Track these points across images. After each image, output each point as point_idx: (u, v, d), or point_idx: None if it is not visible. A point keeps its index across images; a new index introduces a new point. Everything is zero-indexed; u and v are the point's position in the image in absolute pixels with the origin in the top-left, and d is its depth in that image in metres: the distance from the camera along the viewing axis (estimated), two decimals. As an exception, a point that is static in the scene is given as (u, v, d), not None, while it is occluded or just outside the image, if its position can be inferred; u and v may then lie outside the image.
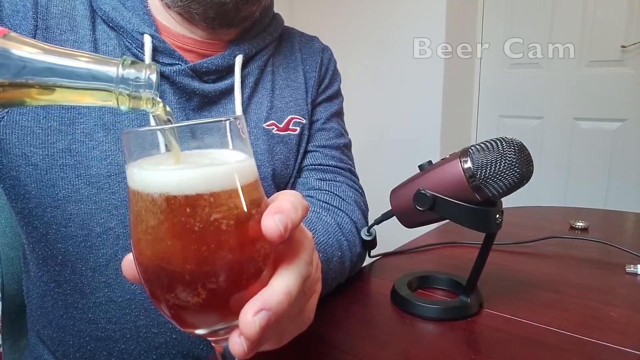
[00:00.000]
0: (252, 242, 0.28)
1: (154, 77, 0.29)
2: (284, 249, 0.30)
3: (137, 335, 0.54)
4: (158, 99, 0.30)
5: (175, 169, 0.27)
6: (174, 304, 0.28)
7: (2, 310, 0.70)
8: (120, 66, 0.28)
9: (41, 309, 0.58)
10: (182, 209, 0.26)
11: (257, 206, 0.28)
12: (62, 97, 0.28)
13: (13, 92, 0.27)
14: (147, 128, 0.28)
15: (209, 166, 0.27)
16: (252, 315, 0.26)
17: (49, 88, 0.27)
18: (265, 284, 0.28)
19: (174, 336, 0.54)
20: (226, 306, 0.28)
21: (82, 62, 0.28)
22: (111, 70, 0.28)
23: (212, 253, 0.26)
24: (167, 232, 0.26)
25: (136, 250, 0.28)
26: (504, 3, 2.05)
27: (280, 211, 0.27)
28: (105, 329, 0.54)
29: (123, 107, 0.29)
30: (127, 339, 0.54)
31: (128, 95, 0.28)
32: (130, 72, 0.28)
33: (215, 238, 0.26)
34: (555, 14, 1.94)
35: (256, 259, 0.28)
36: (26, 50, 0.27)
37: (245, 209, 0.27)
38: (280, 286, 0.28)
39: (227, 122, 0.27)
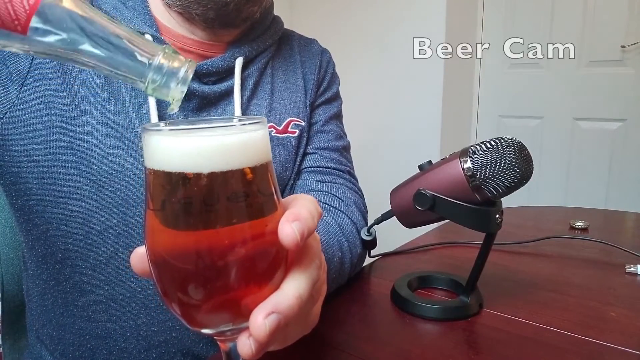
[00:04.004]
0: (268, 242, 0.28)
1: (190, 75, 0.28)
2: (295, 252, 0.30)
3: (137, 334, 0.54)
4: (182, 97, 0.29)
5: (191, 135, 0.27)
6: (185, 302, 0.28)
7: (2, 310, 0.70)
8: (162, 55, 0.28)
9: (41, 307, 0.58)
10: (199, 186, 0.26)
11: (272, 199, 0.29)
12: (96, 61, 0.28)
13: (50, 44, 0.26)
14: (179, 127, 0.28)
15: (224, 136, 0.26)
16: (262, 318, 0.26)
17: (85, 51, 0.27)
18: (276, 287, 0.28)
19: (173, 334, 0.54)
20: (238, 307, 0.28)
21: (125, 37, 0.27)
22: (151, 57, 0.28)
23: (228, 245, 0.26)
24: (184, 210, 0.26)
25: (149, 240, 0.28)
26: (504, 3, 2.05)
27: (298, 218, 0.27)
28: (105, 327, 0.54)
29: (148, 92, 0.29)
30: (127, 337, 0.54)
31: (157, 86, 0.28)
32: (168, 64, 0.28)
33: (232, 226, 0.26)
34: (555, 14, 1.94)
35: (270, 261, 0.28)
36: (75, 8, 0.26)
37: (260, 196, 0.28)
38: (292, 290, 0.28)
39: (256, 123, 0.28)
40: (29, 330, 0.62)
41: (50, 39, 0.25)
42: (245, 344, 0.27)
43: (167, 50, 0.28)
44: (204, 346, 0.56)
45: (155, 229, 0.27)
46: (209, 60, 0.57)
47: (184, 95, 0.29)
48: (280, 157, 0.63)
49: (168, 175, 0.26)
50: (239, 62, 0.59)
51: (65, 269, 0.54)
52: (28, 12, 0.24)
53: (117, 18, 0.53)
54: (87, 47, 0.26)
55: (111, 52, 0.27)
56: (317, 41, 0.74)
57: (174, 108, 0.30)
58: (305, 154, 0.67)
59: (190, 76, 0.29)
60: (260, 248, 0.27)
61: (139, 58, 0.28)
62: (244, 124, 0.27)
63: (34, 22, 0.24)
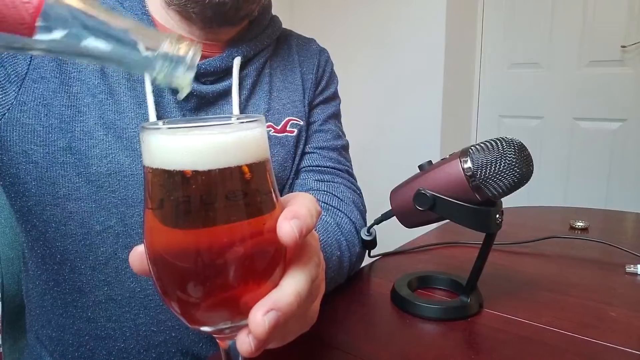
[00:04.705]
0: (267, 240, 0.28)
1: (196, 60, 0.29)
2: (293, 250, 0.31)
3: (137, 334, 0.54)
4: (191, 82, 0.29)
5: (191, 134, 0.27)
6: (184, 300, 0.28)
7: (2, 311, 0.70)
8: (167, 43, 0.28)
9: (40, 308, 0.58)
10: (199, 184, 0.26)
11: (271, 196, 0.29)
12: (102, 56, 0.28)
13: (55, 42, 0.26)
14: (177, 125, 0.28)
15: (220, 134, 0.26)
16: (262, 315, 0.26)
17: (90, 47, 0.27)
18: (275, 284, 0.29)
19: (173, 334, 0.54)
20: (237, 305, 0.28)
21: (129, 28, 0.27)
22: (157, 47, 0.28)
23: (229, 242, 0.26)
24: (184, 208, 0.26)
25: (147, 239, 0.28)
26: (504, 3, 2.05)
27: (297, 216, 0.27)
28: (104, 327, 0.54)
29: (158, 82, 0.29)
30: (126, 337, 0.54)
31: (165, 75, 0.28)
32: (174, 52, 0.28)
33: (231, 223, 0.26)
34: (555, 14, 1.94)
35: (268, 259, 0.28)
36: (78, 5, 0.26)
37: (259, 195, 0.28)
38: (290, 287, 0.28)
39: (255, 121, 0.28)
40: (28, 331, 0.62)
41: (56, 36, 0.26)
42: (244, 342, 0.27)
43: (171, 38, 0.28)
44: (204, 346, 0.56)
45: (154, 227, 0.27)
46: (207, 60, 0.57)
47: (192, 80, 0.30)
48: (279, 156, 0.63)
49: (166, 173, 0.26)
50: (237, 62, 0.59)
51: (64, 269, 0.54)
52: (33, 13, 0.24)
53: None
54: (92, 42, 0.27)
55: (116, 45, 0.27)
56: (315, 40, 0.74)
57: (183, 94, 0.30)
58: (303, 153, 0.67)
59: (197, 61, 0.29)
60: (258, 246, 0.28)
61: (145, 49, 0.28)
62: (241, 122, 0.27)
63: (39, 22, 0.25)
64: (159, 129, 0.27)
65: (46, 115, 0.50)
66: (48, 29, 0.25)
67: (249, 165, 0.27)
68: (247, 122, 0.27)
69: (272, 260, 0.28)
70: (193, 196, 0.26)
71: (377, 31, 2.09)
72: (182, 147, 0.26)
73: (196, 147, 0.26)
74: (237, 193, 0.26)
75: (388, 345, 0.49)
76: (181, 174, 0.26)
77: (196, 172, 0.25)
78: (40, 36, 0.25)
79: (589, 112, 1.94)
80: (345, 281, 0.63)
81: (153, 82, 0.53)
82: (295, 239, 0.27)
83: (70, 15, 0.26)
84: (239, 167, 0.26)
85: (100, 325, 0.54)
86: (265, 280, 0.28)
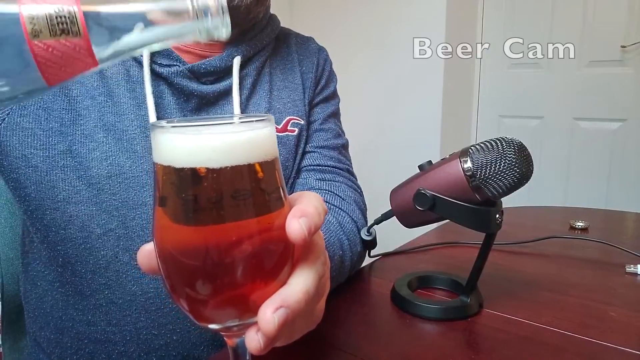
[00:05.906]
0: (276, 238, 0.28)
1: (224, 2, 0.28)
2: (301, 248, 0.31)
3: (137, 337, 0.54)
4: (229, 23, 0.29)
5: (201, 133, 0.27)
6: (193, 297, 0.28)
7: (2, 311, 0.70)
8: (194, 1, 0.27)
9: (39, 309, 0.58)
10: (209, 183, 0.26)
11: (281, 194, 0.29)
12: (148, 42, 0.28)
13: (114, 55, 0.27)
14: (188, 124, 0.28)
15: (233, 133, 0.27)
16: (271, 312, 0.26)
17: (137, 42, 0.27)
18: (283, 282, 0.29)
19: (174, 338, 0.54)
20: (245, 302, 0.28)
21: (160, 6, 0.27)
22: (187, 12, 0.27)
23: (238, 241, 0.27)
24: (193, 208, 0.26)
25: (158, 236, 0.28)
26: (504, 3, 2.05)
27: (305, 215, 0.28)
28: (104, 331, 0.54)
29: (202, 40, 0.29)
30: (126, 341, 0.54)
31: (204, 30, 0.28)
32: (204, 5, 0.27)
33: (240, 222, 0.27)
34: (555, 14, 1.94)
35: (277, 256, 0.28)
36: (115, 10, 0.27)
37: (268, 194, 0.28)
38: (299, 285, 0.28)
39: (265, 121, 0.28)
40: (27, 333, 0.62)
41: (109, 51, 0.27)
42: (253, 339, 0.28)
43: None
44: (205, 349, 0.56)
45: (164, 225, 0.28)
46: (207, 59, 0.57)
47: (229, 21, 0.29)
48: (280, 155, 0.63)
49: (178, 171, 0.26)
50: (236, 61, 0.59)
51: (66, 272, 0.54)
52: (88, 50, 0.25)
53: None
54: (135, 37, 0.27)
55: (155, 27, 0.28)
56: (314, 39, 0.74)
57: (226, 36, 0.29)
58: (304, 153, 0.67)
59: (225, 3, 0.28)
60: (268, 243, 0.28)
61: (182, 19, 0.28)
62: (252, 121, 0.28)
63: (97, 54, 0.26)
64: (171, 127, 0.27)
65: (46, 119, 0.50)
66: (106, 51, 0.27)
67: (260, 164, 0.27)
68: (258, 121, 0.28)
69: (280, 258, 0.29)
70: (205, 194, 0.26)
71: (377, 31, 2.09)
72: (195, 145, 0.26)
73: (209, 145, 0.26)
74: (247, 191, 0.27)
75: (388, 345, 0.49)
76: (194, 172, 0.26)
77: (209, 170, 0.26)
78: (102, 60, 0.27)
79: (589, 112, 1.94)
80: (345, 281, 0.63)
81: (153, 84, 0.53)
82: (304, 237, 0.27)
83: (111, 27, 0.27)
84: (251, 166, 0.27)
85: (100, 329, 0.54)
86: (273, 278, 0.29)
